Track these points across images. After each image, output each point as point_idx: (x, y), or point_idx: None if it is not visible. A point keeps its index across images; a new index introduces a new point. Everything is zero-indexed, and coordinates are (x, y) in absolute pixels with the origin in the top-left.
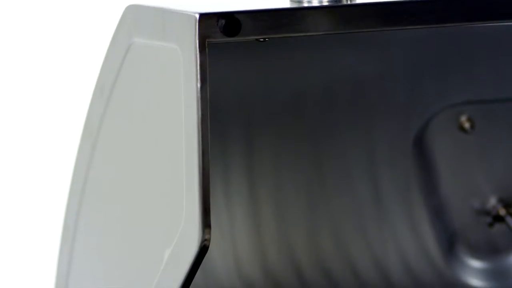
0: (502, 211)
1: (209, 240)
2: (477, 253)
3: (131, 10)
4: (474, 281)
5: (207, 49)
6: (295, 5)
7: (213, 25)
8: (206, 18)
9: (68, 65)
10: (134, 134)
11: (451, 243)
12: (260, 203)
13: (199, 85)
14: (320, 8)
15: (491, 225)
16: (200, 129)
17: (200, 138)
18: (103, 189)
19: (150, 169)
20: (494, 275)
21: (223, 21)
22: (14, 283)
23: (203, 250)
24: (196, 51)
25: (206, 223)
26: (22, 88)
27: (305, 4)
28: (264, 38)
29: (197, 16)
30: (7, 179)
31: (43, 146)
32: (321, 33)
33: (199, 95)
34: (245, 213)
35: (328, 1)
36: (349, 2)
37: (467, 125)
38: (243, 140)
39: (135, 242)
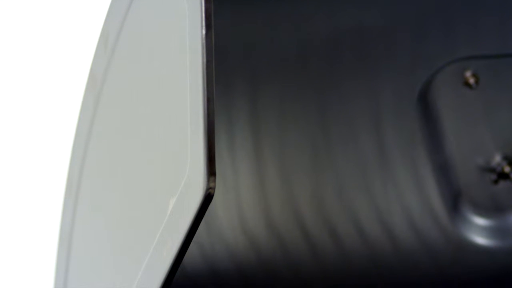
0: (507, 168)
1: (214, 188)
2: (482, 210)
3: None
4: (478, 238)
5: None
6: None
7: None
8: None
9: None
10: (139, 84)
11: (455, 200)
12: (264, 158)
13: (204, 32)
14: None
15: (495, 182)
16: (205, 76)
17: (205, 85)
18: (107, 141)
19: (155, 118)
20: (498, 232)
21: None
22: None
23: (208, 198)
24: None
25: (211, 171)
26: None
27: None
28: None
29: None
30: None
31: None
32: None
33: (204, 41)
34: (249, 168)
35: None
36: None
37: (471, 80)
38: (248, 94)
39: (139, 193)
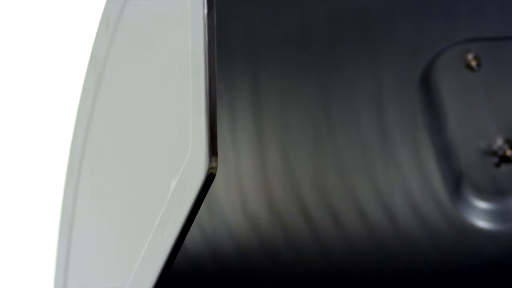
0: (509, 152)
1: (215, 168)
2: (483, 194)
3: None
4: (480, 222)
5: None
6: None
7: None
8: None
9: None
10: (140, 65)
11: (457, 183)
12: (265, 140)
13: (206, 11)
14: None
15: (497, 165)
16: (207, 55)
17: (207, 64)
18: (108, 123)
19: (156, 99)
20: (500, 216)
21: None
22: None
23: (209, 178)
24: None
25: (212, 151)
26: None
27: None
28: None
29: None
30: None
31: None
32: None
33: (206, 21)
34: (251, 150)
35: None
36: None
37: (473, 63)
38: (249, 76)
39: (141, 174)
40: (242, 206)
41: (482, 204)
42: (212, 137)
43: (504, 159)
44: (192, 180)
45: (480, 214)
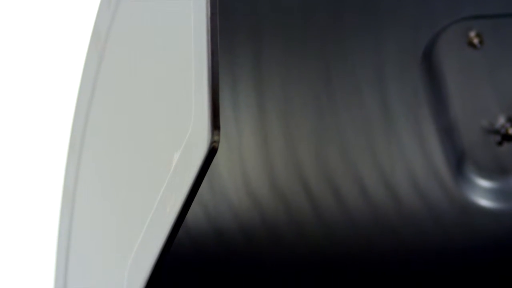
0: (511, 130)
1: (218, 141)
2: (486, 172)
3: None
4: (482, 200)
5: None
6: None
7: None
8: None
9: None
10: (143, 40)
11: (459, 161)
12: (268, 116)
13: None
14: None
15: (499, 144)
16: (209, 28)
17: (209, 38)
18: (111, 98)
19: (159, 73)
20: (502, 194)
21: None
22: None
23: (212, 152)
24: None
25: (215, 124)
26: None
27: None
28: None
29: None
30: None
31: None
32: None
33: None
34: (253, 126)
35: None
36: None
37: (476, 40)
38: (251, 51)
39: (143, 149)
40: (244, 184)
41: (484, 183)
42: (214, 110)
43: (506, 137)
44: (194, 154)
45: (482, 193)
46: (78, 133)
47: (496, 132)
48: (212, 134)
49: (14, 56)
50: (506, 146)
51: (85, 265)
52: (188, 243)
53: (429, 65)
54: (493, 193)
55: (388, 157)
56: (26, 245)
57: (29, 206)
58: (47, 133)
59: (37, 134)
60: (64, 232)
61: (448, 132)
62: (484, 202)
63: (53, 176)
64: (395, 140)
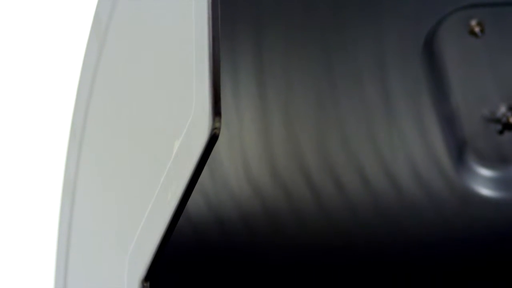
0: None
1: (219, 128)
2: (487, 161)
3: None
4: (482, 189)
5: None
6: None
7: None
8: None
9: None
10: (144, 26)
11: (460, 150)
12: (269, 105)
13: None
14: None
15: (501, 132)
16: (210, 15)
17: (211, 23)
18: (112, 85)
19: (160, 60)
20: (503, 183)
21: None
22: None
23: (213, 138)
24: None
25: (216, 111)
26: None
27: None
28: None
29: None
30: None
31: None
32: None
33: None
34: (254, 115)
35: None
36: None
37: (477, 29)
38: (252, 39)
39: (144, 136)
40: (245, 173)
41: (485, 172)
42: (215, 97)
43: (507, 126)
44: (195, 140)
45: (483, 182)
46: (79, 121)
47: (497, 121)
48: (213, 121)
49: (14, 46)
50: (507, 135)
51: (86, 253)
52: (189, 232)
53: (430, 54)
54: (494, 182)
55: (389, 146)
56: (25, 243)
57: (29, 203)
58: (47, 124)
59: (37, 124)
60: (65, 220)
61: (449, 121)
62: (485, 191)
63: (53, 169)
64: (396, 129)
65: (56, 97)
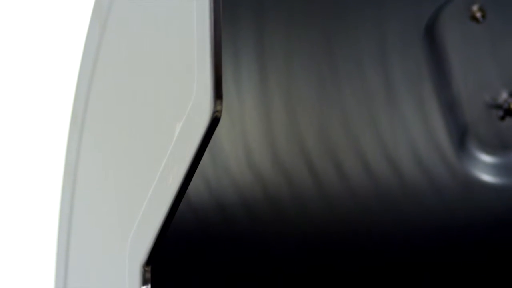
0: None
1: (220, 111)
2: (488, 147)
3: None
4: (484, 175)
5: None
6: None
7: None
8: None
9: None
10: (145, 10)
11: (462, 136)
12: (270, 90)
13: None
14: None
15: (502, 118)
16: None
17: (212, 7)
18: (113, 69)
19: (161, 43)
20: (504, 169)
21: None
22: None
23: (214, 121)
24: None
25: (217, 94)
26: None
27: None
28: None
29: None
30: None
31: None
32: None
33: None
34: (255, 100)
35: None
36: None
37: (478, 14)
38: (254, 24)
39: (146, 120)
40: (246, 158)
41: (486, 157)
42: (217, 80)
43: (508, 112)
44: (196, 123)
45: (484, 168)
46: (80, 106)
47: (499, 107)
48: (215, 104)
49: (13, 31)
50: (509, 121)
51: (87, 238)
52: (190, 217)
53: (432, 39)
54: (495, 168)
55: (390, 131)
56: (25, 240)
57: (28, 197)
58: (47, 112)
59: (37, 113)
60: (66, 206)
61: (450, 107)
62: (486, 177)
63: (53, 161)
64: (398, 114)
65: (56, 82)
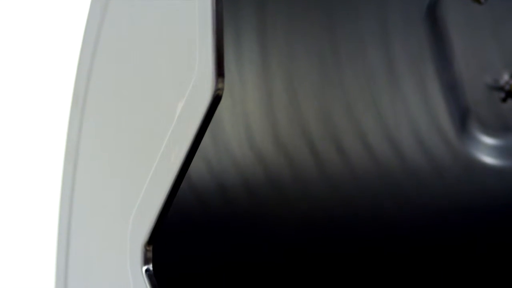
0: None
1: (222, 89)
2: (490, 129)
3: None
4: (485, 157)
5: None
6: None
7: None
8: None
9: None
10: None
11: (463, 118)
12: (271, 71)
13: None
14: None
15: (504, 100)
16: None
17: None
18: (114, 48)
19: (162, 22)
20: (506, 151)
21: None
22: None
23: (216, 99)
24: None
25: (219, 72)
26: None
27: None
28: None
29: None
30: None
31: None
32: None
33: None
34: (257, 81)
35: None
36: None
37: None
38: (255, 4)
39: (147, 99)
40: (248, 139)
41: (488, 139)
42: (219, 57)
43: (510, 94)
44: (198, 102)
45: (486, 150)
46: (81, 88)
47: (500, 88)
48: (217, 82)
49: (12, 21)
50: (510, 102)
51: (89, 219)
52: (191, 198)
53: (433, 20)
54: (497, 150)
55: (392, 112)
56: (24, 238)
57: (28, 198)
58: (47, 100)
59: (37, 102)
60: (68, 187)
61: (452, 88)
62: (488, 159)
63: (52, 159)
64: (399, 95)
65: (57, 67)
